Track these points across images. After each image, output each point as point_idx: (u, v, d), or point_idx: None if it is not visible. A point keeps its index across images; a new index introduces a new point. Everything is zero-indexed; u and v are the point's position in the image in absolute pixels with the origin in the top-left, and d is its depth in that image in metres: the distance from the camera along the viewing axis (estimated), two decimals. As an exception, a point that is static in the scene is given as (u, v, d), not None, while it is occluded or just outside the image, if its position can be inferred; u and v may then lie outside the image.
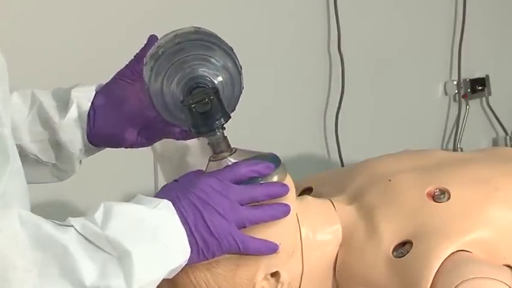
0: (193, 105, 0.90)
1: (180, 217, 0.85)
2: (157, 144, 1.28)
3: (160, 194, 0.89)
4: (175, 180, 0.92)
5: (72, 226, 0.78)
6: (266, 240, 0.92)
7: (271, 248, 0.92)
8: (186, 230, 0.85)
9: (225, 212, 0.87)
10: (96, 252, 0.78)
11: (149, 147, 1.33)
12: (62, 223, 0.79)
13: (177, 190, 0.88)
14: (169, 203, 0.85)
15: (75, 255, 0.77)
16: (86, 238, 0.78)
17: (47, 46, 1.64)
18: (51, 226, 0.77)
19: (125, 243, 0.79)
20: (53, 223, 0.78)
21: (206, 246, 0.86)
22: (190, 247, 0.85)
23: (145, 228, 0.82)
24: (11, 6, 1.59)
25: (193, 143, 1.25)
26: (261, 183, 0.91)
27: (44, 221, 0.77)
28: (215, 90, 0.91)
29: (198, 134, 0.93)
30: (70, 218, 0.80)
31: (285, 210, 0.92)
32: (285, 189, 0.93)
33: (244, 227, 0.89)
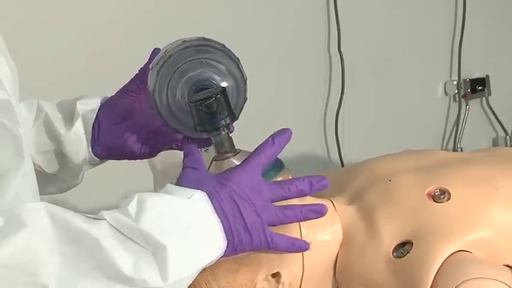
0: (200, 104, 0.90)
1: (218, 211, 0.84)
2: (157, 161, 1.28)
3: (187, 183, 0.86)
4: (194, 168, 0.89)
5: (104, 219, 0.78)
6: (295, 239, 0.92)
7: (299, 247, 0.92)
8: (224, 224, 0.84)
9: (259, 208, 0.86)
10: (129, 245, 0.77)
11: (147, 163, 1.33)
12: (94, 216, 0.78)
13: (211, 182, 0.86)
14: (204, 194, 0.84)
15: (108, 248, 0.75)
16: (119, 231, 0.77)
17: (48, 47, 1.64)
18: (82, 220, 0.76)
19: (159, 237, 0.78)
20: (84, 217, 0.77)
21: (240, 242, 0.85)
22: (227, 242, 0.84)
23: (180, 222, 0.81)
24: (12, 7, 1.59)
25: None
26: (293, 181, 0.90)
27: (73, 214, 0.76)
28: (222, 90, 0.91)
29: (202, 133, 0.93)
30: (103, 211, 0.79)
31: (321, 212, 0.92)
32: (325, 183, 0.91)
33: (274, 226, 0.89)
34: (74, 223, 0.75)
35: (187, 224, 0.81)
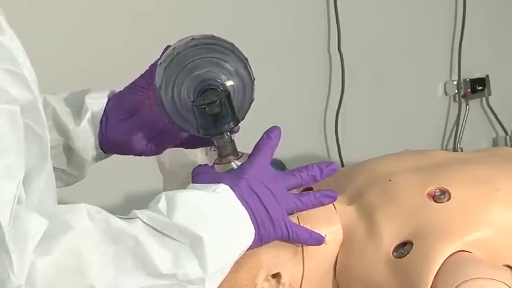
0: (203, 107, 0.90)
1: (241, 200, 0.85)
2: (166, 160, 1.29)
3: (205, 183, 0.88)
4: (206, 173, 0.91)
5: (138, 218, 0.79)
6: (312, 231, 0.94)
7: (317, 240, 0.95)
8: (249, 213, 0.85)
9: (277, 197, 0.88)
10: (166, 241, 0.78)
11: (156, 162, 1.34)
12: (127, 216, 0.79)
13: (228, 178, 0.88)
14: (227, 187, 0.86)
15: (147, 245, 0.76)
16: (154, 228, 0.78)
17: (49, 47, 1.64)
18: (119, 219, 0.78)
19: (195, 229, 0.79)
20: (118, 217, 0.78)
21: (264, 231, 0.87)
22: (254, 230, 0.86)
23: (211, 214, 0.82)
24: (13, 7, 1.59)
25: (202, 160, 1.26)
26: (303, 168, 0.93)
27: (110, 214, 0.78)
28: (227, 94, 0.91)
29: (205, 136, 0.93)
30: (134, 210, 0.80)
31: (333, 197, 0.95)
32: (334, 167, 0.95)
33: (292, 214, 0.91)
34: (111, 222, 0.77)
35: (218, 215, 0.83)
